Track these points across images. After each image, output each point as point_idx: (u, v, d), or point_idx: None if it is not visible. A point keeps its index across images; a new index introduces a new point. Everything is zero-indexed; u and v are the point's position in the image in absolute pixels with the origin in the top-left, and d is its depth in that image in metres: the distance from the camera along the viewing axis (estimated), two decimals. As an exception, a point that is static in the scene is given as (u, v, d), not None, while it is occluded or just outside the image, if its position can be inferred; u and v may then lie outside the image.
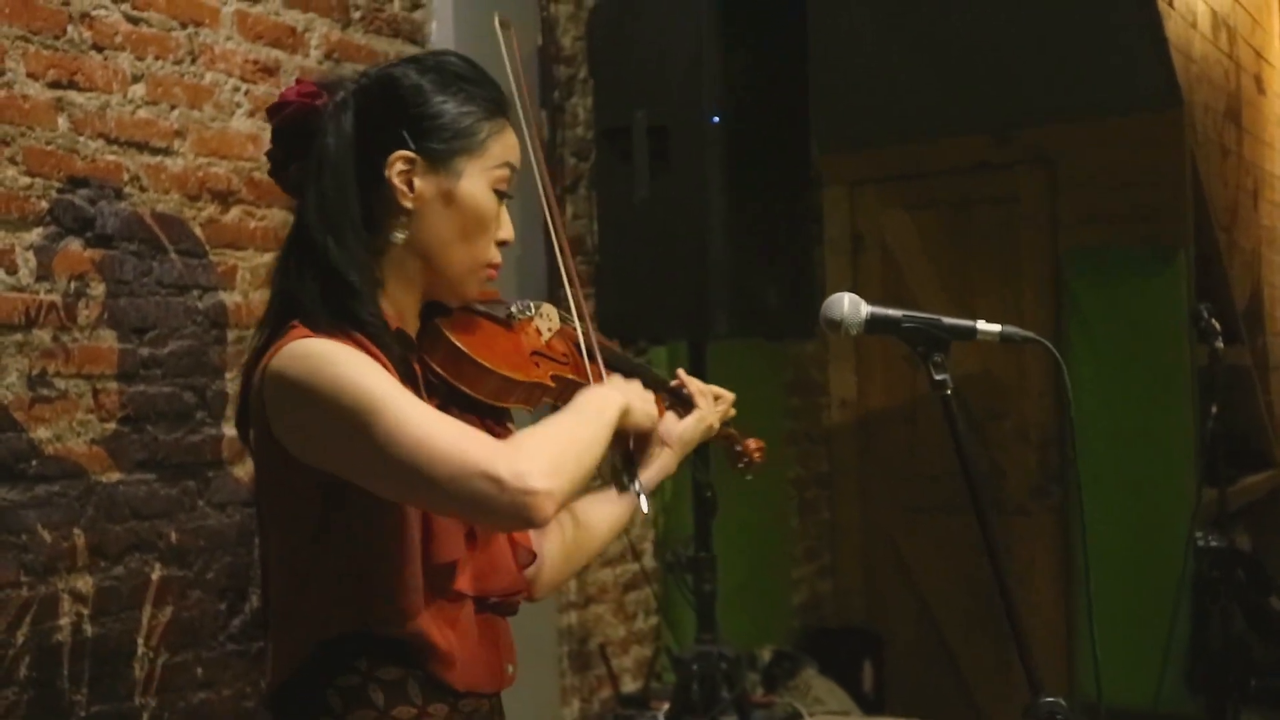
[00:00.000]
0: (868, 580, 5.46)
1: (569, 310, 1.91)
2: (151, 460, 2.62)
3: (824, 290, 5.24)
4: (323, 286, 1.63)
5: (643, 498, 1.90)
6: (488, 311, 1.83)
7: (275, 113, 1.72)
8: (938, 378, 1.71)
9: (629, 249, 3.46)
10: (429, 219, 1.68)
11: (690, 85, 3.31)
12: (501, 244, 1.77)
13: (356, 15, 3.16)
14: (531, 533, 1.85)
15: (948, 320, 1.73)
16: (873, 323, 1.76)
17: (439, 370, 1.71)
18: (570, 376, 1.83)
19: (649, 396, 1.85)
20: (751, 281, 3.40)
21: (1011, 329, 1.73)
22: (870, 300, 1.82)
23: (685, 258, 3.32)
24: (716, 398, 2.05)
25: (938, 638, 5.25)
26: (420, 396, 1.66)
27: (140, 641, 2.58)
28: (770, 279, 3.47)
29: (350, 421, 1.50)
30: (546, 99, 3.82)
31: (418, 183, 1.67)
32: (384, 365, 1.59)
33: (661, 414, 1.94)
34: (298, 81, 1.75)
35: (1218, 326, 3.30)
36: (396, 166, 1.66)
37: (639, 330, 3.58)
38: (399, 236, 1.68)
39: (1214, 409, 3.20)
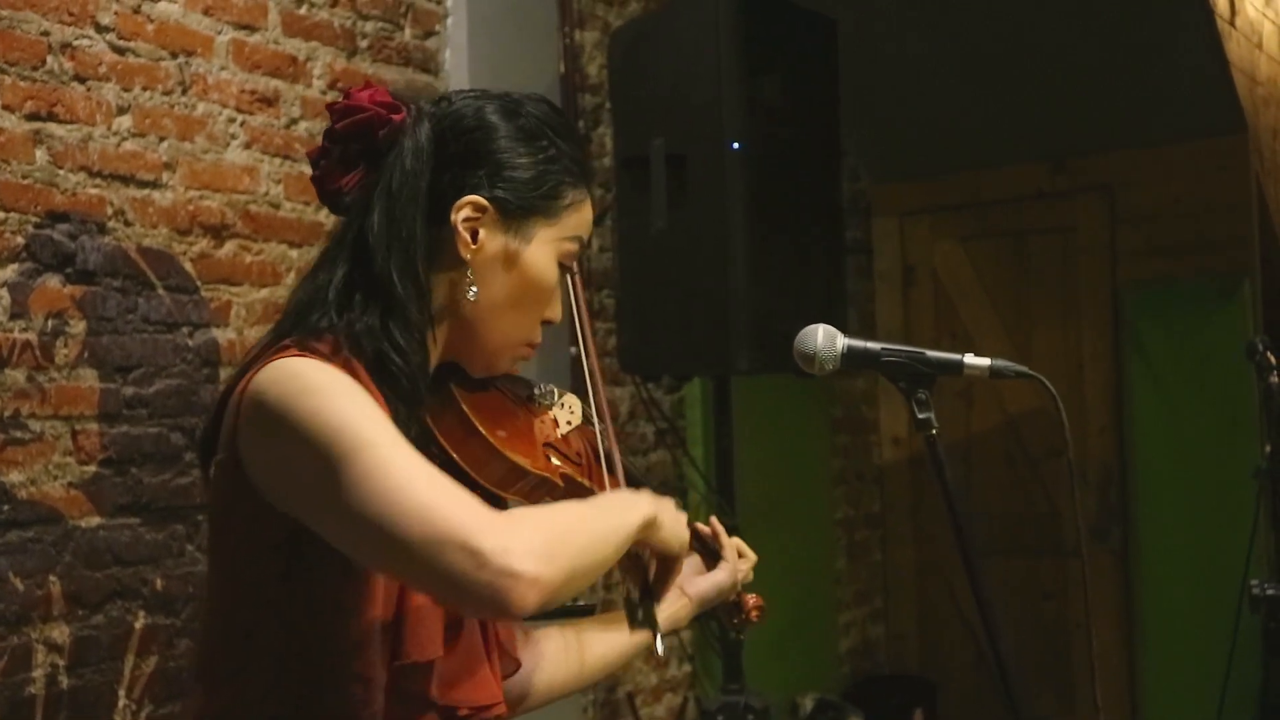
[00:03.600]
0: (922, 625, 5.27)
1: (590, 405, 1.71)
2: (135, 504, 2.52)
3: (870, 324, 5.11)
4: (380, 317, 1.46)
5: (660, 639, 1.62)
6: (509, 389, 1.66)
7: (341, 116, 1.54)
8: (921, 416, 1.56)
9: (648, 281, 3.33)
10: (484, 277, 1.52)
11: (710, 112, 3.19)
12: (546, 323, 1.61)
13: (363, 43, 3.08)
14: (519, 638, 1.68)
15: (932, 354, 1.58)
16: (850, 356, 1.60)
17: (442, 441, 1.52)
18: (582, 481, 1.62)
19: (682, 519, 1.60)
20: (778, 315, 3.25)
21: (1002, 363, 1.58)
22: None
23: (705, 290, 3.19)
24: (740, 555, 1.82)
25: (995, 686, 5.03)
26: None
27: (122, 693, 2.48)
28: (799, 312, 3.30)
29: (321, 456, 1.30)
30: (570, 129, 3.71)
31: (483, 235, 1.52)
32: (379, 404, 1.41)
33: (690, 550, 1.72)
34: (367, 84, 1.59)
35: (1273, 360, 3.10)
36: (465, 211, 1.51)
37: (661, 366, 3.45)
38: (467, 294, 1.51)
39: (1268, 447, 3.00)
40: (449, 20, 3.32)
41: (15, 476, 2.32)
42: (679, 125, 3.25)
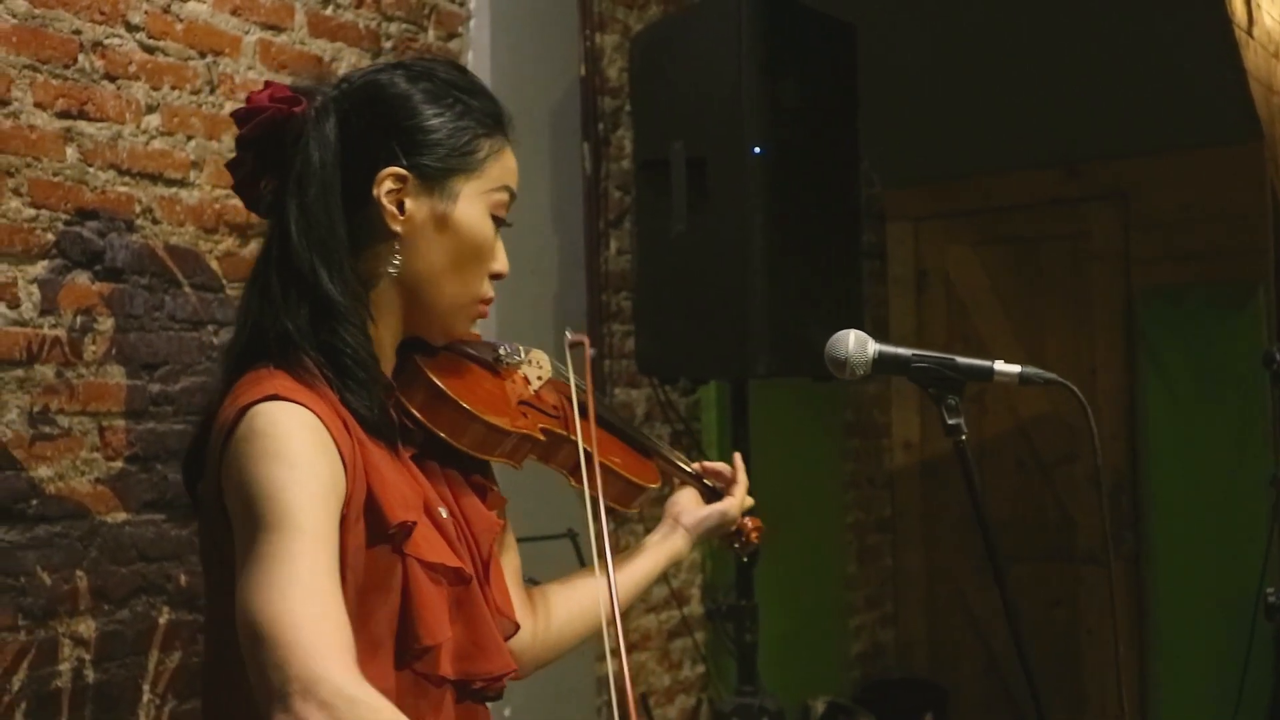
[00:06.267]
0: (932, 630, 5.28)
1: (565, 363, 1.76)
2: (161, 500, 2.54)
3: (884, 328, 5.11)
4: (312, 314, 1.49)
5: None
6: (473, 353, 1.70)
7: (245, 120, 1.56)
8: (951, 422, 1.58)
9: (667, 285, 3.35)
10: (419, 245, 1.54)
11: (731, 116, 3.20)
12: (495, 277, 1.63)
13: (388, 44, 3.09)
14: (517, 601, 1.72)
15: (962, 360, 1.60)
16: (881, 362, 1.63)
17: (417, 414, 1.56)
18: (560, 432, 1.68)
19: None
20: (796, 319, 3.27)
21: (1032, 371, 1.59)
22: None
23: (724, 294, 3.20)
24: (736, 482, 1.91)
25: (1005, 692, 5.05)
26: (396, 450, 1.54)
27: (146, 687, 2.50)
28: (817, 316, 3.33)
29: (252, 514, 1.36)
30: (590, 131, 3.73)
31: (409, 204, 1.53)
32: (350, 446, 1.43)
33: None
34: (267, 85, 1.60)
35: (1290, 368, 3.11)
36: (386, 185, 1.52)
37: (678, 369, 3.46)
38: (393, 265, 1.53)
39: (1281, 455, 3.01)
40: (472, 22, 3.34)
41: (44, 471, 2.34)
42: (699, 129, 3.26)
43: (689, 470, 1.96)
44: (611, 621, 1.66)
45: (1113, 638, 4.73)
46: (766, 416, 3.85)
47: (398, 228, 1.53)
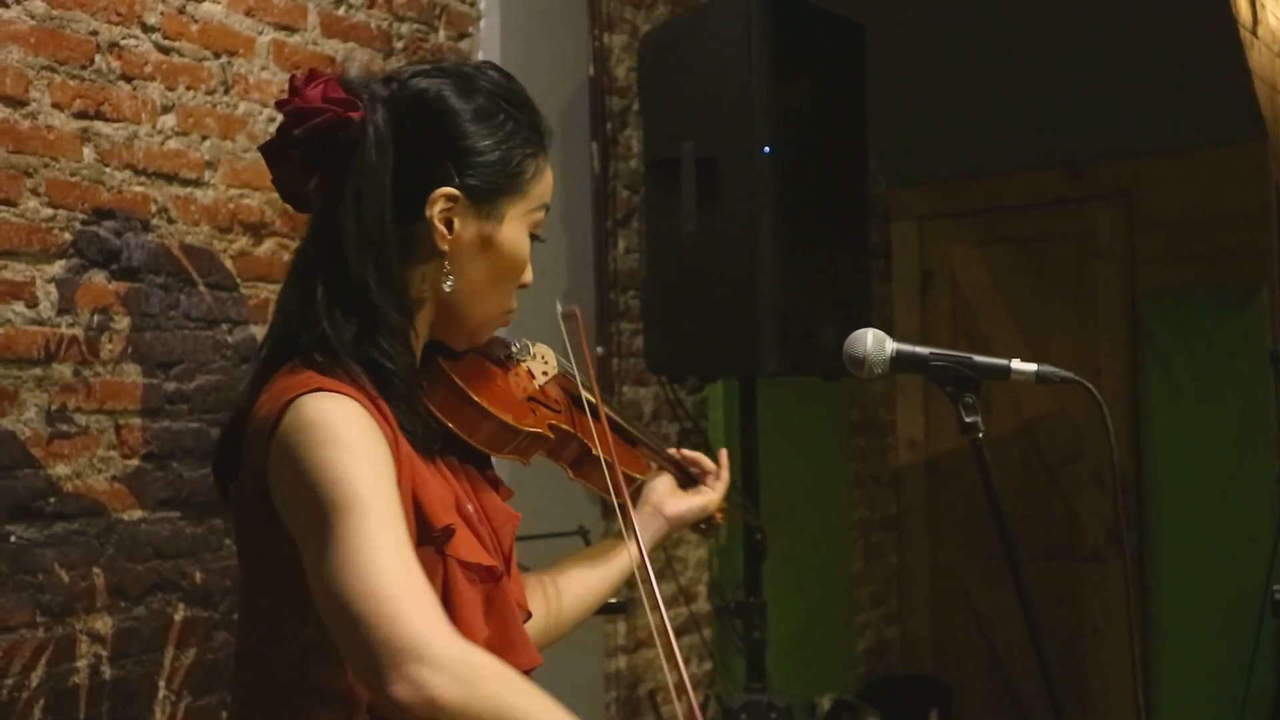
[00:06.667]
0: (936, 627, 5.30)
1: (569, 358, 1.79)
2: (176, 498, 2.56)
3: (890, 327, 5.13)
4: (360, 325, 1.48)
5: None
6: (487, 351, 1.72)
7: (297, 120, 1.51)
8: (968, 420, 1.59)
9: (676, 283, 3.37)
10: (461, 263, 1.55)
11: (740, 116, 3.22)
12: (520, 287, 1.65)
13: (399, 45, 3.11)
14: (530, 586, 1.75)
15: (979, 359, 1.61)
16: (899, 360, 1.64)
17: (436, 413, 1.58)
18: (566, 428, 1.70)
19: None
20: (805, 318, 3.29)
21: (1049, 369, 1.61)
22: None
23: (734, 293, 3.22)
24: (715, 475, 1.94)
25: (1009, 690, 5.07)
26: (430, 453, 1.55)
27: (162, 684, 2.52)
28: (826, 315, 3.35)
29: (318, 504, 1.35)
30: (598, 131, 3.74)
31: (457, 223, 1.53)
32: (391, 437, 1.45)
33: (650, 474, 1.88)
34: (314, 75, 1.54)
35: (1295, 368, 3.13)
36: (439, 205, 1.52)
37: (687, 367, 3.48)
38: (446, 285, 1.53)
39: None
40: (482, 23, 3.35)
41: (61, 469, 2.35)
42: (709, 129, 3.28)
43: (669, 456, 1.98)
44: (645, 579, 1.71)
45: (1129, 636, 4.74)
46: (773, 414, 3.87)
47: (444, 246, 1.53)
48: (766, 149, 3.21)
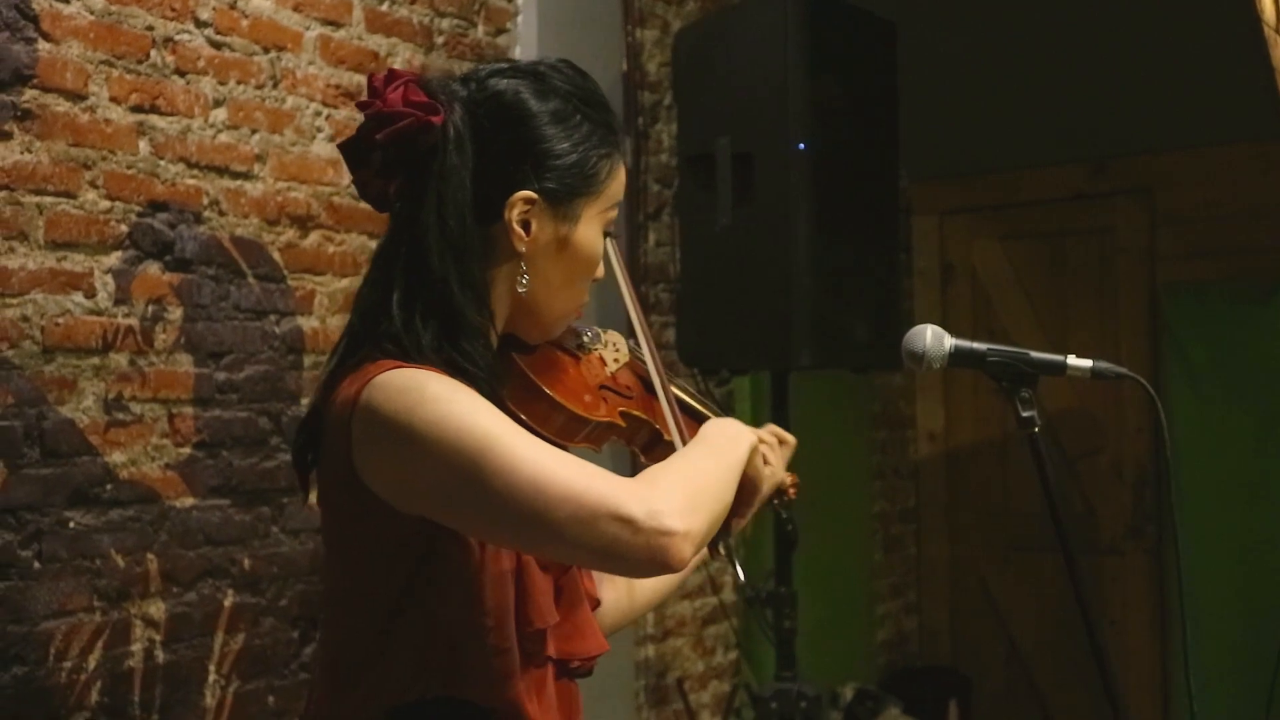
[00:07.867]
0: (955, 619, 5.34)
1: (638, 343, 1.81)
2: (225, 486, 2.60)
3: (912, 322, 5.15)
4: (441, 326, 1.50)
5: (740, 569, 1.79)
6: (559, 341, 1.76)
7: (379, 124, 1.51)
8: (1025, 414, 1.63)
9: (711, 277, 3.40)
10: (538, 263, 1.56)
11: (776, 112, 3.26)
12: (593, 282, 1.67)
13: (440, 40, 3.15)
14: (597, 577, 1.77)
15: (1035, 354, 1.65)
16: (957, 356, 1.67)
17: (510, 406, 1.61)
18: (640, 415, 1.72)
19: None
20: (837, 312, 3.33)
21: (1104, 364, 1.65)
22: (959, 333, 1.73)
23: (768, 287, 3.26)
24: (781, 442, 1.88)
25: (1028, 681, 5.11)
26: None
27: (212, 669, 2.57)
28: (857, 309, 3.39)
29: (456, 463, 1.37)
30: (630, 125, 3.78)
31: (534, 225, 1.55)
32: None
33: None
34: (393, 75, 1.55)
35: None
36: (518, 208, 1.53)
37: (720, 360, 3.52)
38: (521, 285, 1.55)
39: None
40: (519, 18, 3.40)
41: (117, 457, 2.40)
42: (744, 124, 3.31)
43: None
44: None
45: (1158, 631, 4.77)
46: (799, 407, 3.90)
47: (522, 247, 1.55)
48: (801, 145, 3.24)
